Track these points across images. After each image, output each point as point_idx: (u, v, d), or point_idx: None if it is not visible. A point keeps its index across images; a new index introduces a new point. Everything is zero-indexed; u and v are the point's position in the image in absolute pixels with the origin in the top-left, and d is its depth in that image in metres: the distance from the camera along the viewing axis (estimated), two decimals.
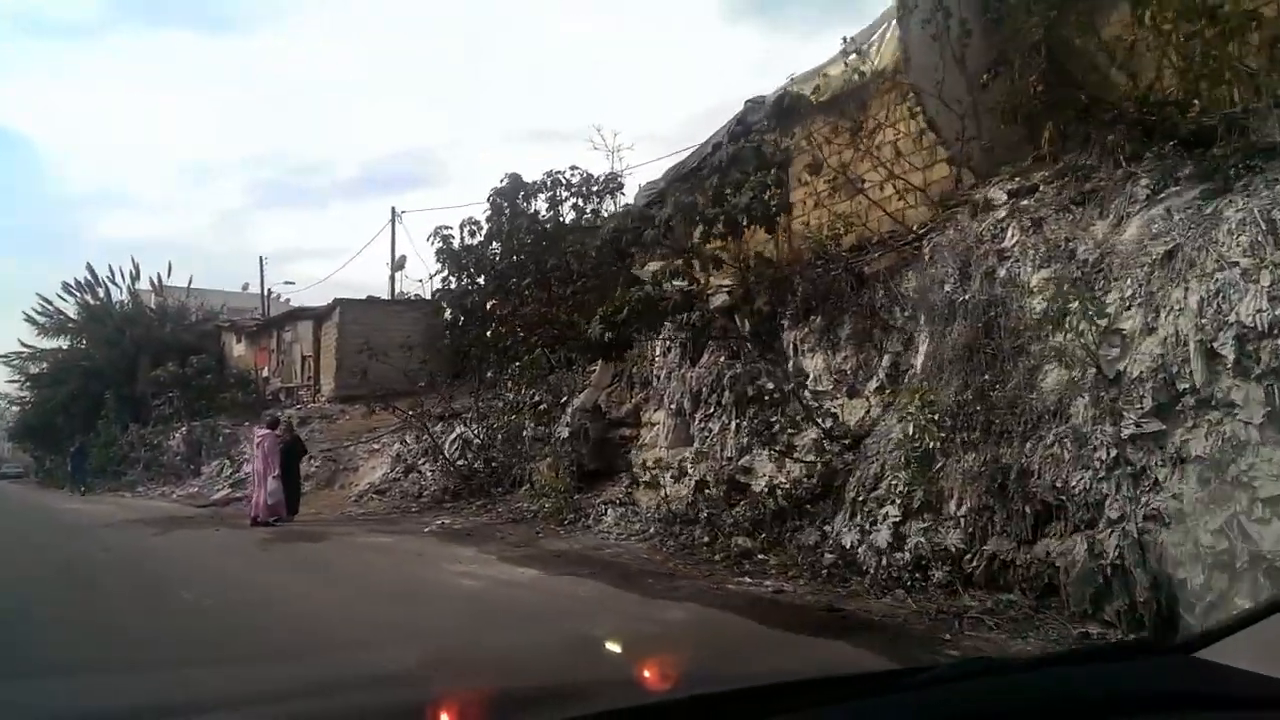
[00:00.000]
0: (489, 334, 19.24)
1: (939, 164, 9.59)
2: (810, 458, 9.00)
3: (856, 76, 8.80)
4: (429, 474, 16.22)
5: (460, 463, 15.40)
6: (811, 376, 9.91)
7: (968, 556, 6.32)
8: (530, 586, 7.58)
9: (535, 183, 18.44)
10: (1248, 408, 5.04)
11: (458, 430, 16.29)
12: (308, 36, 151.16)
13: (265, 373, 31.75)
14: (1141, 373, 5.59)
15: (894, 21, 9.35)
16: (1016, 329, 6.59)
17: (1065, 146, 7.06)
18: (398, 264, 31.60)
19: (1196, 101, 6.33)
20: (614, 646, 3.81)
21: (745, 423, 10.38)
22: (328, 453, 19.50)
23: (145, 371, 31.57)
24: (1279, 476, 4.78)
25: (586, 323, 16.45)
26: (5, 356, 37.18)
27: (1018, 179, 7.68)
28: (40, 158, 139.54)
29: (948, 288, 7.21)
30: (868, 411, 9.17)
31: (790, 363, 10.01)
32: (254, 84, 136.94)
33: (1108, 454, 5.62)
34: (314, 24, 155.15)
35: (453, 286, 21.09)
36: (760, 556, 8.19)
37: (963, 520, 6.48)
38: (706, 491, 10.11)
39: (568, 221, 18.48)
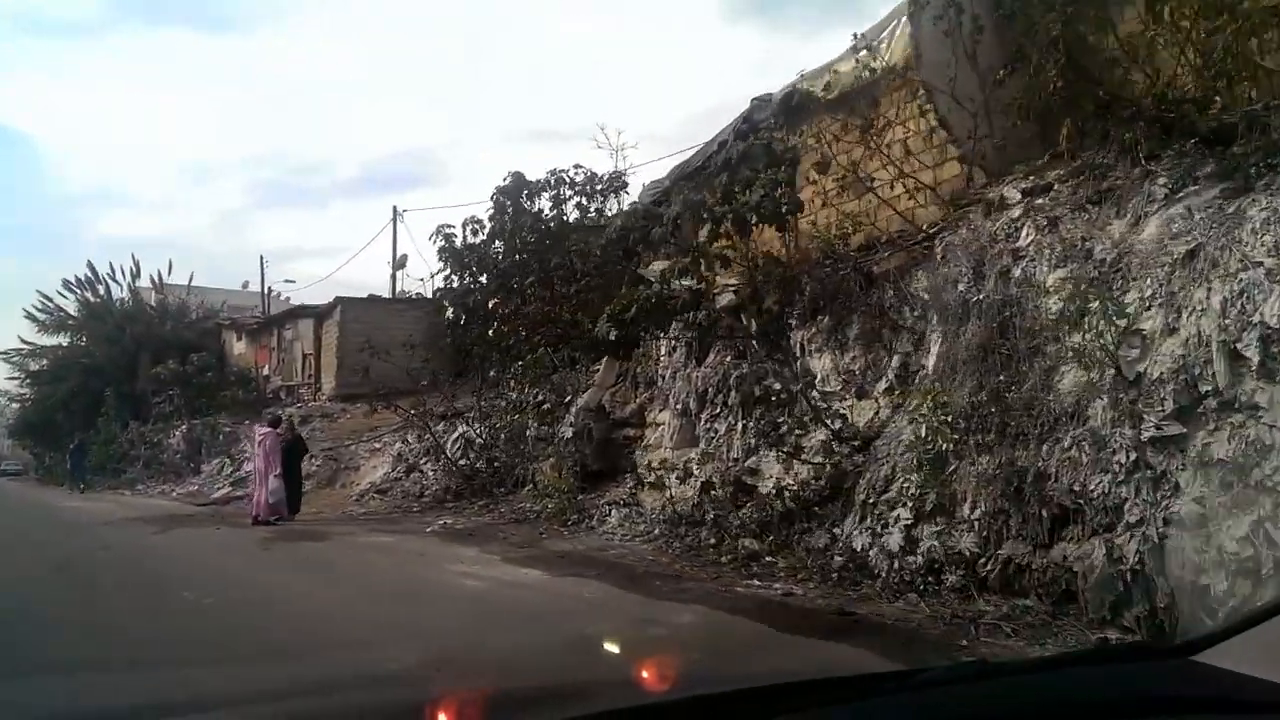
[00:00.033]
0: (491, 333, 19.17)
1: (949, 162, 9.48)
2: (818, 459, 8.89)
3: (866, 73, 8.68)
4: (431, 473, 16.10)
5: (462, 462, 15.29)
6: (819, 377, 9.80)
7: (982, 560, 6.22)
8: (535, 588, 7.47)
9: (539, 181, 18.36)
10: (1272, 410, 4.93)
11: (460, 429, 16.18)
12: (308, 36, 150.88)
13: (266, 371, 31.63)
14: (1162, 374, 5.49)
15: (904, 18, 9.24)
16: (1032, 329, 6.48)
17: (1083, 144, 6.95)
18: (399, 263, 31.55)
19: (1218, 99, 6.21)
20: (615, 647, 3.90)
21: (752, 423, 10.26)
22: (329, 451, 19.39)
23: (145, 369, 31.44)
24: None
25: (590, 322, 16.37)
26: (5, 353, 37.09)
27: (1032, 177, 7.58)
28: (40, 156, 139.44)
29: (961, 287, 7.10)
30: (876, 413, 9.05)
31: (797, 363, 9.90)
32: (254, 84, 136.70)
33: (1127, 457, 5.52)
34: (314, 24, 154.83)
35: (455, 285, 21.04)
36: (768, 559, 8.08)
37: (976, 523, 6.37)
38: (712, 493, 9.99)
39: (571, 220, 18.42)
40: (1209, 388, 5.26)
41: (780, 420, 9.95)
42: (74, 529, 14.35)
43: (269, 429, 14.47)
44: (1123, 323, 5.70)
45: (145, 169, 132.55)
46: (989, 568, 6.16)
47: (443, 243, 20.37)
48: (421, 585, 7.94)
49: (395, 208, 38.56)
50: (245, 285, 42.01)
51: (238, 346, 33.95)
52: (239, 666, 4.52)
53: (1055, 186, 7.39)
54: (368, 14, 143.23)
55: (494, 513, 13.07)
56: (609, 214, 18.44)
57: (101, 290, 35.99)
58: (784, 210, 7.87)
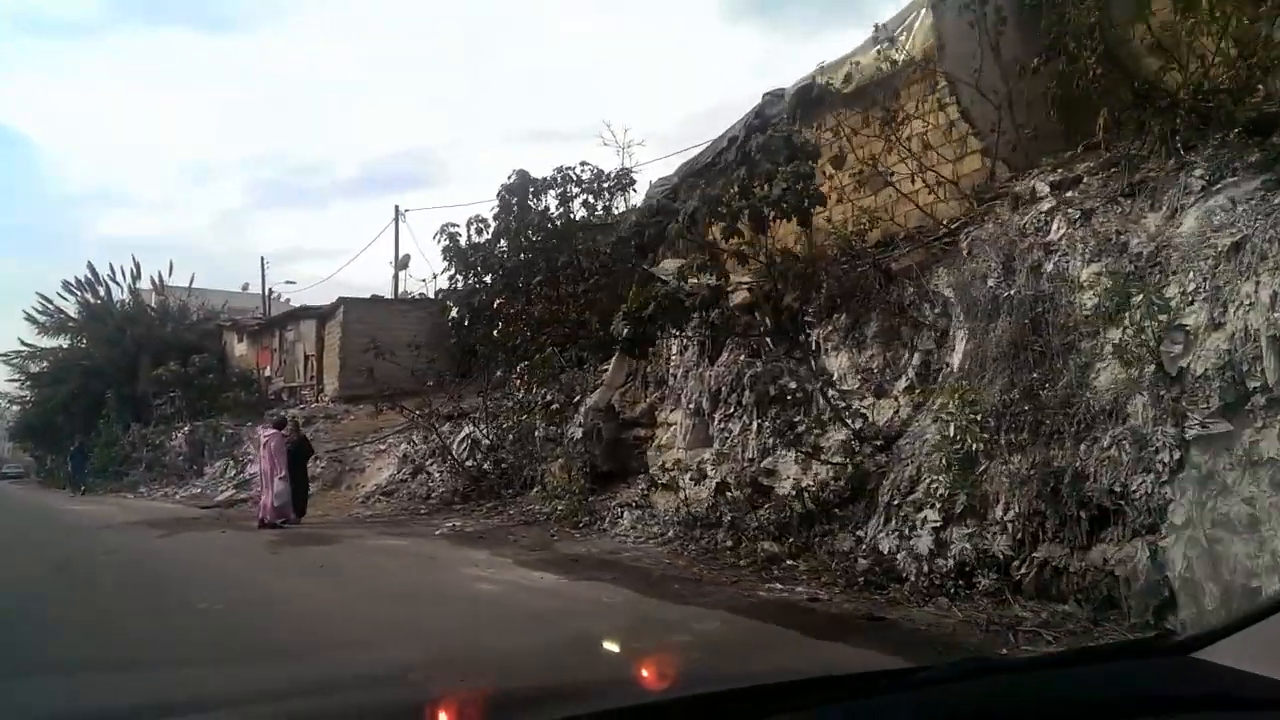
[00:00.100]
0: (496, 333, 19.00)
1: (969, 156, 9.30)
2: (838, 459, 8.69)
3: (886, 65, 8.49)
4: (437, 475, 15.90)
5: (469, 464, 15.09)
6: (836, 376, 9.61)
7: (1016, 563, 6.02)
8: (551, 592, 7.27)
9: (545, 179, 18.22)
10: None
11: (466, 430, 15.98)
12: (308, 36, 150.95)
13: (268, 372, 31.43)
14: (1207, 370, 5.29)
15: (924, 10, 9.06)
16: (1066, 325, 6.29)
17: (1120, 134, 6.76)
18: (401, 263, 31.36)
19: (1260, 88, 6.02)
20: (617, 646, 3.90)
21: (767, 423, 10.07)
22: (333, 453, 19.18)
23: (146, 371, 31.25)
24: None
25: (598, 321, 16.24)
26: (5, 355, 36.88)
27: (1060, 170, 7.39)
28: (40, 157, 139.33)
29: (991, 283, 6.91)
30: (896, 412, 8.87)
31: (814, 361, 9.70)
32: (254, 84, 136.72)
33: (1170, 456, 5.32)
34: (314, 24, 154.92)
35: (459, 285, 20.88)
36: (789, 562, 7.88)
37: (1010, 525, 6.18)
38: (728, 494, 9.79)
39: (578, 219, 18.26)
40: (1257, 384, 5.07)
41: (797, 420, 9.76)
42: (75, 533, 14.16)
43: (274, 430, 14.26)
44: (1165, 317, 5.51)
45: (145, 169, 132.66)
46: (1023, 571, 5.96)
47: (447, 242, 20.24)
48: (436, 590, 7.73)
49: (397, 207, 38.49)
50: (245, 287, 41.88)
51: (239, 348, 33.75)
52: (239, 666, 4.44)
53: (1085, 179, 7.21)
54: (368, 14, 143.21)
55: (503, 515, 12.87)
56: (616, 212, 18.32)
57: (102, 292, 35.81)
58: (806, 204, 7.67)
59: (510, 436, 14.64)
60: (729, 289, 10.00)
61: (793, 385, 10.00)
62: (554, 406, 14.23)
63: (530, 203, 18.04)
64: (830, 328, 9.94)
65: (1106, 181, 7.03)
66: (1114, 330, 5.79)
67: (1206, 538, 4.98)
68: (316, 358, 27.77)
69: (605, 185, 18.01)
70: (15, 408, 42.08)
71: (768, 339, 10.43)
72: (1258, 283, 5.22)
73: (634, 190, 18.19)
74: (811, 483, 8.80)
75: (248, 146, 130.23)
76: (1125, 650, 2.72)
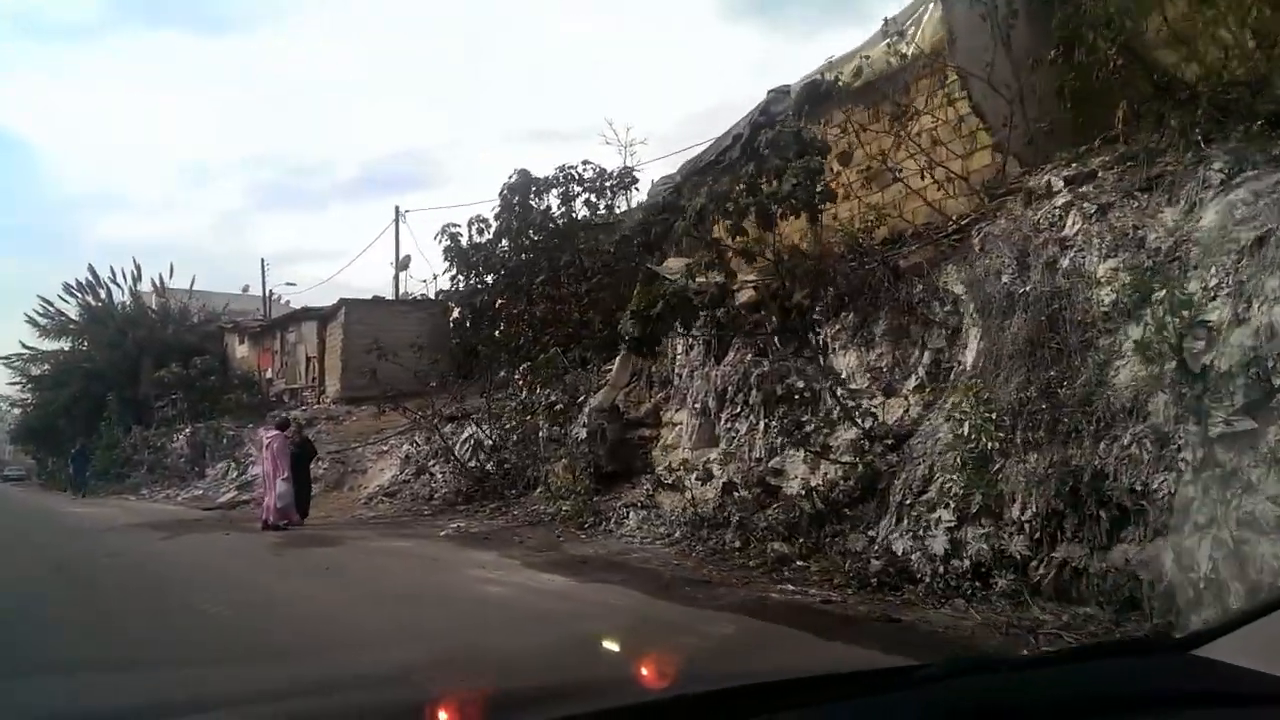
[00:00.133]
0: (498, 333, 18.92)
1: (978, 152, 9.20)
2: (847, 459, 8.59)
3: (896, 59, 8.38)
4: (440, 476, 15.79)
5: (472, 464, 14.99)
6: (844, 374, 9.51)
7: (1033, 564, 5.92)
8: (561, 595, 7.17)
9: (547, 178, 18.12)
10: None
11: (469, 431, 15.88)
12: (308, 36, 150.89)
13: (269, 374, 31.34)
14: (1231, 367, 5.18)
15: (933, 3, 8.96)
16: (1083, 322, 6.19)
17: (1139, 126, 6.65)
18: (402, 264, 31.27)
19: None
20: (618, 644, 3.93)
21: (775, 423, 9.97)
22: (335, 454, 19.08)
23: (148, 373, 31.16)
24: None
25: (601, 321, 16.15)
26: (6, 358, 36.80)
27: (1074, 165, 7.28)
28: (39, 159, 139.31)
29: (1005, 279, 6.80)
30: (906, 411, 8.77)
31: (821, 360, 9.60)
32: (254, 84, 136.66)
33: (1193, 454, 5.22)
34: (314, 24, 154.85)
35: (461, 285, 20.80)
36: (799, 563, 7.78)
37: (1027, 525, 6.07)
38: (735, 494, 9.70)
39: (580, 218, 18.17)
40: None
41: (804, 419, 9.66)
42: (77, 535, 14.06)
43: (277, 431, 14.15)
44: (1187, 313, 5.40)
45: (145, 171, 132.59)
46: (1041, 572, 5.86)
47: (448, 242, 20.17)
48: (444, 592, 7.63)
49: (398, 208, 38.38)
50: (246, 289, 41.82)
51: (240, 350, 33.67)
52: (239, 666, 4.40)
53: (1100, 174, 7.10)
54: (368, 14, 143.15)
55: (507, 515, 12.77)
56: (618, 211, 18.23)
57: (103, 294, 35.70)
58: (816, 200, 7.56)
59: (514, 437, 14.54)
60: (735, 287, 9.90)
61: (800, 384, 9.89)
62: (558, 407, 14.12)
63: (532, 202, 17.95)
64: (838, 326, 9.83)
65: (1122, 176, 6.92)
66: (1134, 327, 5.68)
67: (1232, 538, 4.87)
68: (318, 359, 27.68)
69: (608, 184, 17.91)
70: (16, 410, 42.01)
71: (774, 338, 10.34)
72: None
73: (636, 189, 18.11)
74: (821, 482, 8.70)
75: (247, 147, 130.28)
76: (1126, 647, 2.72)
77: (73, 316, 35.42)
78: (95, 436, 30.01)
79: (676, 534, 9.82)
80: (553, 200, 17.95)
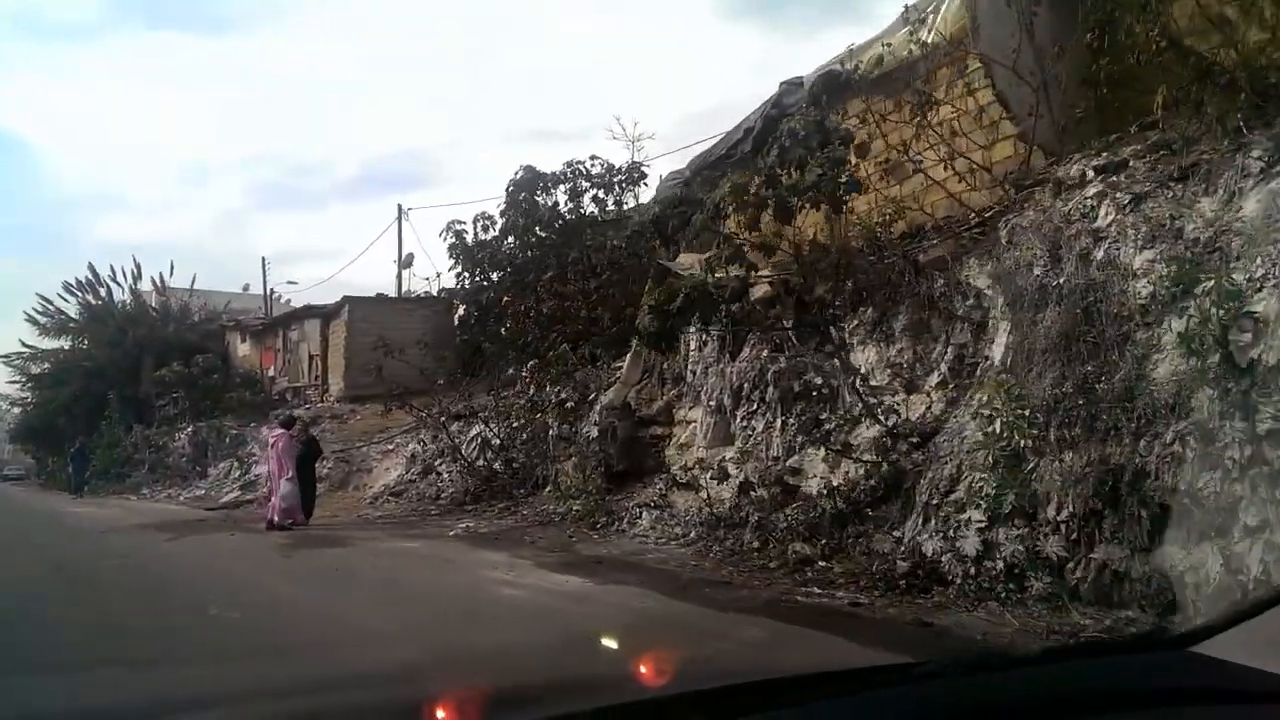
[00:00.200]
0: (504, 331, 18.72)
1: (1001, 143, 9.01)
2: (868, 457, 8.40)
3: (915, 48, 8.19)
4: (447, 475, 15.61)
5: (480, 463, 14.80)
6: (863, 370, 9.33)
7: (1070, 566, 5.74)
8: (580, 597, 6.99)
9: (554, 174, 17.94)
10: None
11: (476, 429, 15.68)
12: (308, 36, 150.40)
13: (271, 372, 31.14)
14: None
15: None
16: (1120, 315, 6.00)
17: (1178, 112, 6.46)
18: (405, 261, 31.07)
19: None
20: (616, 642, 3.98)
21: (792, 420, 9.79)
22: (340, 454, 18.88)
23: (149, 372, 30.95)
24: None
25: (610, 317, 15.96)
26: (6, 357, 36.54)
27: (1105, 154, 7.09)
28: (39, 158, 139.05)
29: (1037, 271, 6.61)
30: (928, 407, 8.58)
31: (841, 356, 9.41)
32: (254, 84, 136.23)
33: (1241, 452, 5.03)
34: (314, 24, 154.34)
35: (466, 283, 20.61)
36: (822, 564, 7.58)
37: (1063, 526, 5.88)
38: (753, 493, 9.51)
39: (588, 214, 17.98)
40: None
41: (823, 416, 9.48)
42: (79, 536, 13.88)
43: (282, 430, 13.96)
44: (1232, 305, 5.21)
45: (144, 171, 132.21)
46: (1079, 575, 5.67)
47: (453, 239, 20.00)
48: (458, 594, 7.45)
49: (400, 206, 38.20)
50: (246, 288, 41.57)
51: (242, 348, 33.46)
52: (239, 665, 4.37)
53: (1131, 163, 6.91)
54: (368, 14, 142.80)
55: (516, 515, 12.58)
56: (626, 208, 18.04)
57: (103, 293, 35.44)
58: (842, 191, 7.37)
59: (523, 435, 14.34)
60: (751, 282, 9.71)
61: (818, 381, 9.72)
62: (568, 404, 13.92)
63: (539, 198, 17.75)
64: (856, 321, 9.65)
65: (1155, 165, 6.73)
66: (1176, 320, 5.49)
67: None
68: (321, 357, 27.47)
69: (616, 179, 17.71)
70: (16, 410, 41.80)
71: (790, 333, 10.15)
72: None
73: (645, 184, 17.93)
74: (842, 481, 8.52)
75: (247, 147, 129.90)
76: (1124, 644, 2.75)
77: (73, 315, 35.19)
78: (96, 435, 29.80)
79: (692, 534, 9.64)
80: (560, 196, 17.76)
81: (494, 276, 19.37)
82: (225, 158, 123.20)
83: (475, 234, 19.52)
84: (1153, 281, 5.92)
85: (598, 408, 13.16)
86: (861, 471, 8.35)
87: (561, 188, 17.69)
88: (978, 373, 7.69)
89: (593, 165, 17.79)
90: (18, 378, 37.42)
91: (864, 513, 7.97)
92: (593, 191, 17.77)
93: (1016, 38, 7.54)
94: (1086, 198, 6.82)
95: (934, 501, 7.01)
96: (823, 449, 9.02)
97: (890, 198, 9.51)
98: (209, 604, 7.26)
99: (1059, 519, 5.90)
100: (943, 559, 6.46)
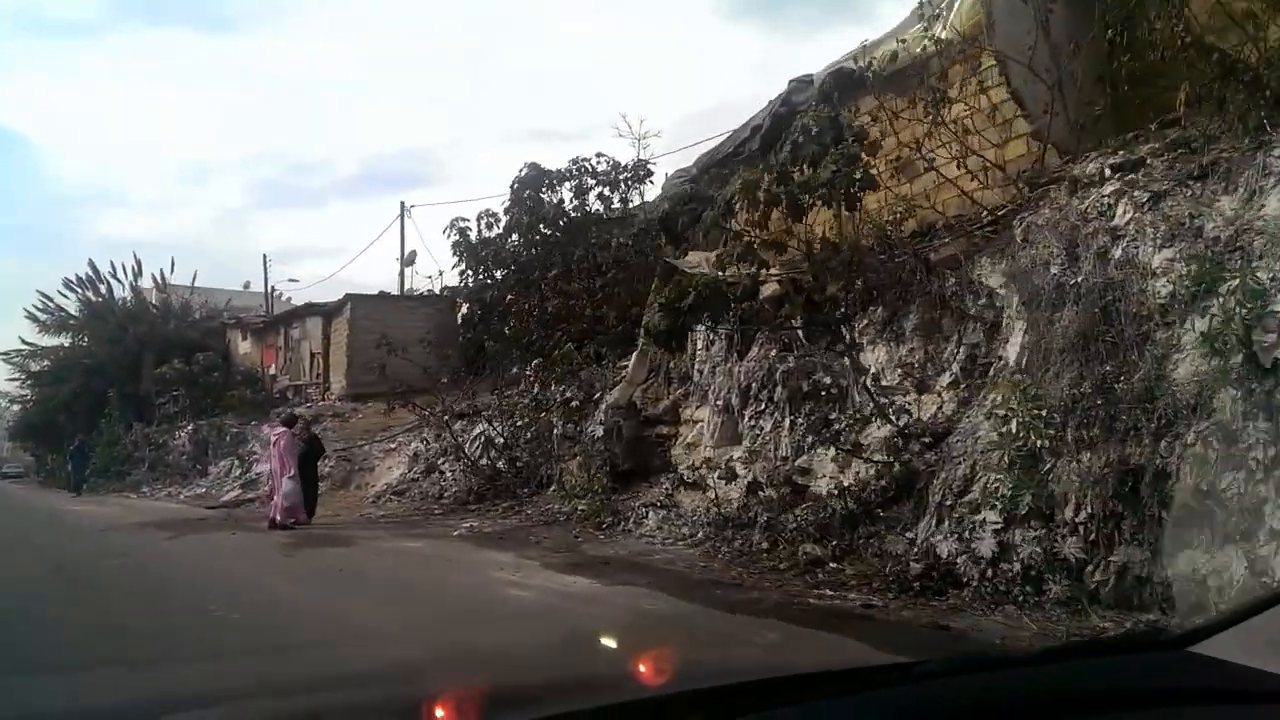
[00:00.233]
0: (508, 329, 18.64)
1: (1014, 141, 8.94)
2: (879, 458, 8.32)
3: (931, 43, 8.10)
4: (450, 474, 15.52)
5: (483, 462, 14.71)
6: (873, 370, 9.25)
7: (1090, 569, 5.65)
8: (587, 598, 6.90)
9: (559, 171, 17.85)
10: None
11: (479, 428, 15.59)
12: (308, 36, 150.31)
13: (272, 370, 31.04)
14: None
15: None
16: (1139, 314, 5.92)
17: (1200, 110, 6.37)
18: (408, 259, 30.99)
19: None
20: (615, 641, 3.96)
21: (801, 420, 9.70)
22: (341, 452, 18.79)
23: (149, 369, 30.85)
24: None
25: (616, 316, 15.88)
26: (6, 354, 36.43)
27: (1122, 152, 7.01)
28: (39, 157, 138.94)
29: (1054, 270, 6.52)
30: (940, 407, 8.51)
31: (852, 356, 9.32)
32: (254, 83, 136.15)
33: (1265, 453, 4.96)
34: (314, 24, 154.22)
35: (470, 280, 20.53)
36: (833, 565, 7.51)
37: (1080, 527, 5.80)
38: (761, 494, 9.42)
39: (594, 211, 17.88)
40: None
41: (833, 416, 9.40)
42: (79, 535, 13.79)
43: (284, 429, 13.87)
44: (1256, 305, 5.13)
45: (145, 169, 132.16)
46: (1099, 577, 5.59)
47: (457, 237, 19.92)
48: (466, 596, 7.36)
49: (403, 203, 38.13)
50: (247, 285, 41.50)
51: (243, 346, 33.36)
52: (236, 662, 4.34)
53: (1149, 161, 6.83)
54: (368, 14, 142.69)
55: (520, 515, 12.50)
56: (631, 206, 17.96)
57: (103, 290, 35.33)
58: (856, 188, 7.28)
59: (527, 434, 14.26)
60: (762, 280, 9.63)
61: (827, 380, 9.64)
62: (573, 404, 13.83)
63: (544, 195, 17.66)
64: (865, 321, 9.57)
65: (1173, 163, 6.65)
66: (1198, 319, 5.41)
67: None
68: (323, 355, 27.38)
69: (622, 177, 17.62)
70: (16, 407, 41.69)
71: (799, 332, 10.07)
72: None
73: (651, 182, 17.84)
74: (852, 481, 8.43)
75: (247, 145, 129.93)
76: (1122, 644, 2.72)
77: (73, 312, 35.07)
78: (96, 433, 29.72)
79: (699, 534, 9.55)
80: (566, 193, 17.66)
81: (498, 274, 19.28)
82: (225, 156, 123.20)
83: (479, 232, 19.44)
84: (1172, 280, 5.84)
85: (603, 407, 13.08)
86: (872, 472, 8.27)
87: (567, 185, 17.61)
88: (991, 373, 7.61)
89: (599, 162, 17.70)
90: (17, 375, 37.36)
91: (875, 513, 7.89)
92: (598, 189, 17.67)
93: (1032, 34, 7.45)
94: (1104, 196, 6.74)
95: (947, 502, 6.92)
96: (832, 449, 8.93)
97: (901, 196, 9.42)
98: (211, 604, 7.17)
99: (1077, 520, 5.82)
100: (958, 561, 6.38)
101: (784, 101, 11.82)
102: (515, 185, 17.79)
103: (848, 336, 8.72)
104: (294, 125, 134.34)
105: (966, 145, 8.37)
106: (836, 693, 1.59)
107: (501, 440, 14.67)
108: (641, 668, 2.08)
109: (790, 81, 11.98)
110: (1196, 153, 6.38)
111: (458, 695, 1.74)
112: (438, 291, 25.95)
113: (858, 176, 7.19)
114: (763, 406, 10.26)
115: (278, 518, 12.74)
